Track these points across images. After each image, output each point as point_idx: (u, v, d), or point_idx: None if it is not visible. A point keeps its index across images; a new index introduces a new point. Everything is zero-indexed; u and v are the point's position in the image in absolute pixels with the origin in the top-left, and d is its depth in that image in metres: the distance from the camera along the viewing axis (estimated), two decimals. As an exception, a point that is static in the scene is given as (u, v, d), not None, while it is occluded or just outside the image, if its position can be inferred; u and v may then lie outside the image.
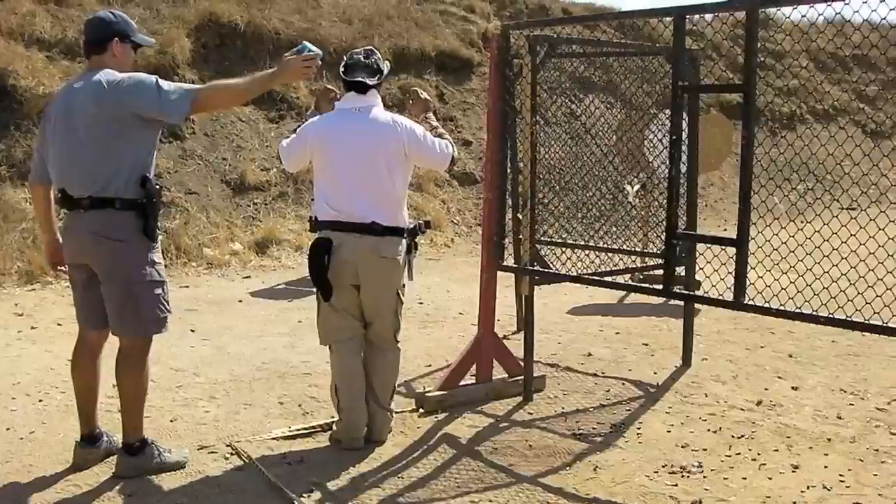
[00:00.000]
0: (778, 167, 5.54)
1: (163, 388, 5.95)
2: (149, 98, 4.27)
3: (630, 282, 7.73)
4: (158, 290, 4.46)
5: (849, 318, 4.07)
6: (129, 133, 4.30)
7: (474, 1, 18.12)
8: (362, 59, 5.00)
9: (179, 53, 12.68)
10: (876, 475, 4.67)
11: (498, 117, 5.74)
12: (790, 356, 7.06)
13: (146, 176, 4.34)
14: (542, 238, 6.30)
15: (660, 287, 4.95)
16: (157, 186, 4.43)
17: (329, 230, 4.89)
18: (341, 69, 5.01)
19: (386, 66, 5.08)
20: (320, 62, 4.56)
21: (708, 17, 5.73)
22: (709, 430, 5.34)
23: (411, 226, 5.06)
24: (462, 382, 5.79)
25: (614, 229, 7.50)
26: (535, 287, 5.87)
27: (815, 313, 4.18)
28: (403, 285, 5.07)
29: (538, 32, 5.96)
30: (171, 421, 5.37)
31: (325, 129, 5.02)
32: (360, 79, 4.92)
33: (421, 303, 8.87)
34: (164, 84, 4.33)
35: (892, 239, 4.33)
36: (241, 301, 9.02)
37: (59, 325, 7.62)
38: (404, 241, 4.98)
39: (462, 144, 14.97)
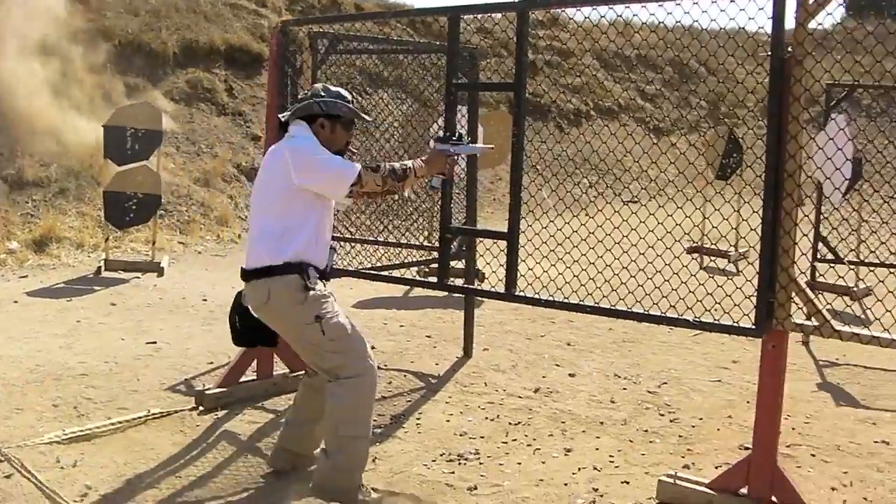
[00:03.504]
0: (561, 164, 5.72)
1: (-77, 395, 5.63)
2: None
3: (417, 276, 7.81)
4: None
5: (613, 308, 4.25)
6: None
7: (266, -6, 18.01)
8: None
9: None
10: (644, 454, 4.91)
11: (276, 113, 5.68)
12: (568, 344, 7.32)
13: None
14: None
15: (434, 280, 5.03)
16: None
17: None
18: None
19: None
20: None
21: (497, 15, 5.85)
22: (487, 418, 5.48)
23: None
24: (243, 379, 5.73)
25: (399, 223, 7.56)
26: (319, 282, 5.86)
27: (581, 303, 4.36)
28: (317, 317, 4.08)
29: (318, 29, 5.94)
30: (-65, 430, 5.08)
31: None
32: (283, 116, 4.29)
33: (205, 299, 8.75)
34: None
35: (670, 232, 4.55)
36: (16, 301, 8.60)
37: None
38: (278, 279, 4.07)
39: (252, 139, 14.86)
